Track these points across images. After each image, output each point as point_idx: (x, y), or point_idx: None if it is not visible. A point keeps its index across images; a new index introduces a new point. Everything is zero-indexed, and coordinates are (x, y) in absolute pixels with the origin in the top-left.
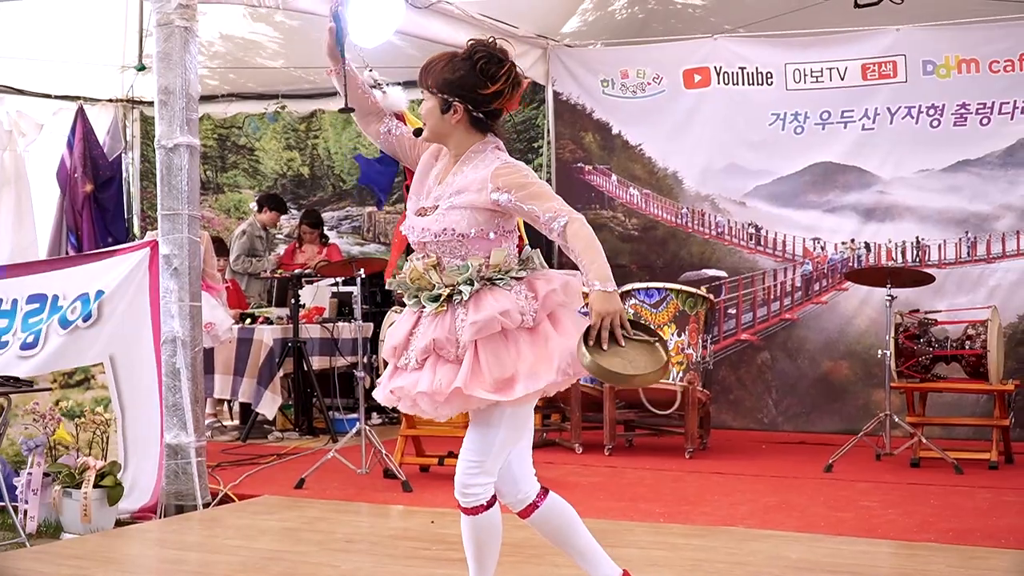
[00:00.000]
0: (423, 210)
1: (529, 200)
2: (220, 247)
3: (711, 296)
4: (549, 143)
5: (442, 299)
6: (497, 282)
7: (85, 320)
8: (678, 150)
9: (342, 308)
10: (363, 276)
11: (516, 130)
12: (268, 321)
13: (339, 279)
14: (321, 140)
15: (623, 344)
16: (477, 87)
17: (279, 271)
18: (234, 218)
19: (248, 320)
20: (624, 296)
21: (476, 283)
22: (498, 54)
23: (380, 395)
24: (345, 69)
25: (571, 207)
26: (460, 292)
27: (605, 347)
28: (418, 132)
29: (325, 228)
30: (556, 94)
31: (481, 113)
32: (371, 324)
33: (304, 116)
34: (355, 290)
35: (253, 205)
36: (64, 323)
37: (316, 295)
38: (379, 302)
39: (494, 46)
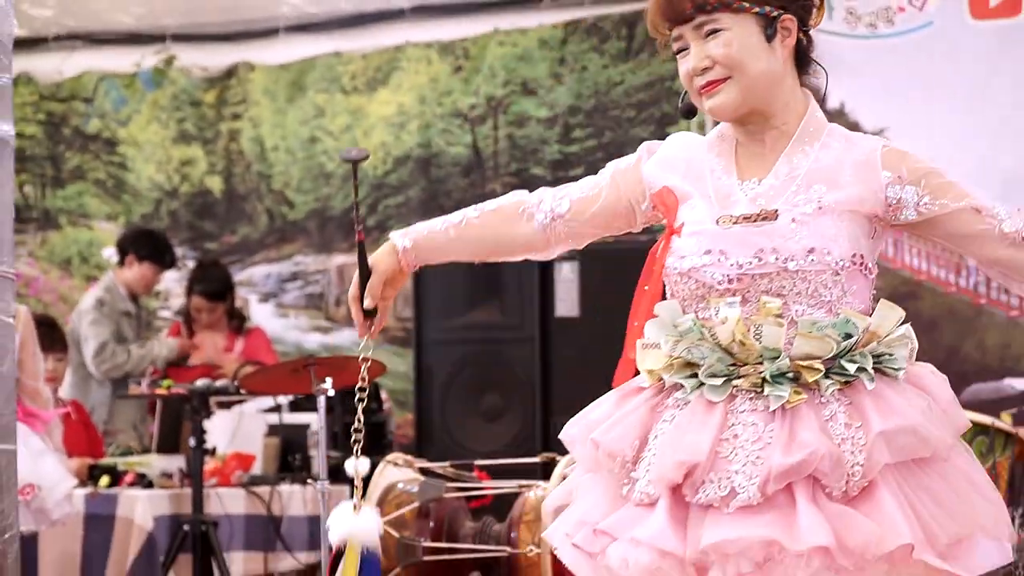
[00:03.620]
0: (738, 219)
1: (937, 196)
2: (50, 336)
3: None
4: (701, 128)
5: (797, 382)
6: (889, 366)
7: None
8: (961, 140)
9: (289, 457)
10: (331, 392)
11: (633, 103)
12: (145, 481)
13: (282, 399)
14: (247, 123)
15: None
16: None
17: (165, 381)
18: (79, 278)
19: (106, 480)
20: None
21: (863, 363)
22: None
23: (640, 560)
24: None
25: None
26: (841, 371)
27: None
28: (689, 112)
29: (253, 297)
30: None
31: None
32: (346, 488)
33: (213, 76)
34: (315, 420)
35: (110, 253)
36: None
37: (237, 431)
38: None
39: None
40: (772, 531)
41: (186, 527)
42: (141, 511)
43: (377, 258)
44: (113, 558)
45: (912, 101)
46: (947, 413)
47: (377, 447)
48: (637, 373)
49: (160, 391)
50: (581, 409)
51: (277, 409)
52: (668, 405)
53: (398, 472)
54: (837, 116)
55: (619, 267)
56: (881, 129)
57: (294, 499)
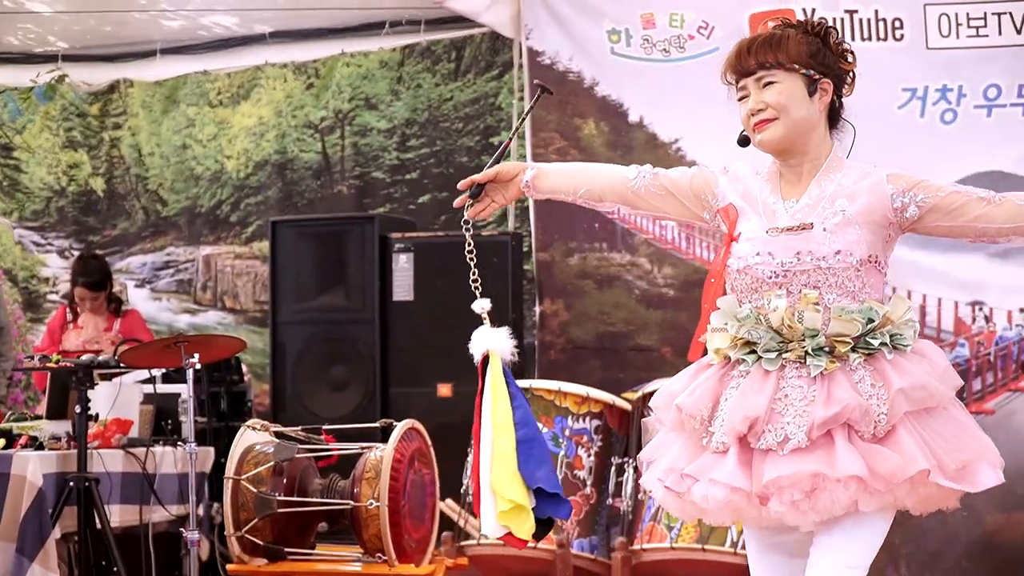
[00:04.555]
0: (783, 230)
1: (929, 192)
2: None
3: None
4: (521, 137)
5: (832, 354)
6: (899, 343)
7: None
8: (743, 150)
9: (161, 422)
10: (198, 366)
11: (461, 116)
12: (36, 443)
13: (156, 372)
14: (126, 132)
15: None
16: (839, 64)
17: (55, 356)
18: None
19: (1, 442)
20: (645, 402)
21: (883, 339)
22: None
23: (717, 496)
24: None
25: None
26: (866, 346)
27: None
28: (744, 141)
29: (130, 283)
30: (533, 54)
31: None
32: (211, 449)
33: (97, 91)
34: (184, 390)
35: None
36: None
37: (117, 400)
38: (225, 412)
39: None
40: (817, 465)
41: (72, 483)
42: (32, 469)
43: (506, 163)
44: (7, 510)
45: (701, 116)
46: (945, 374)
47: (238, 413)
48: (706, 351)
49: (50, 364)
50: (415, 381)
51: (152, 380)
52: (733, 376)
53: (256, 435)
54: (637, 128)
55: (447, 259)
56: (675, 139)
57: (166, 459)
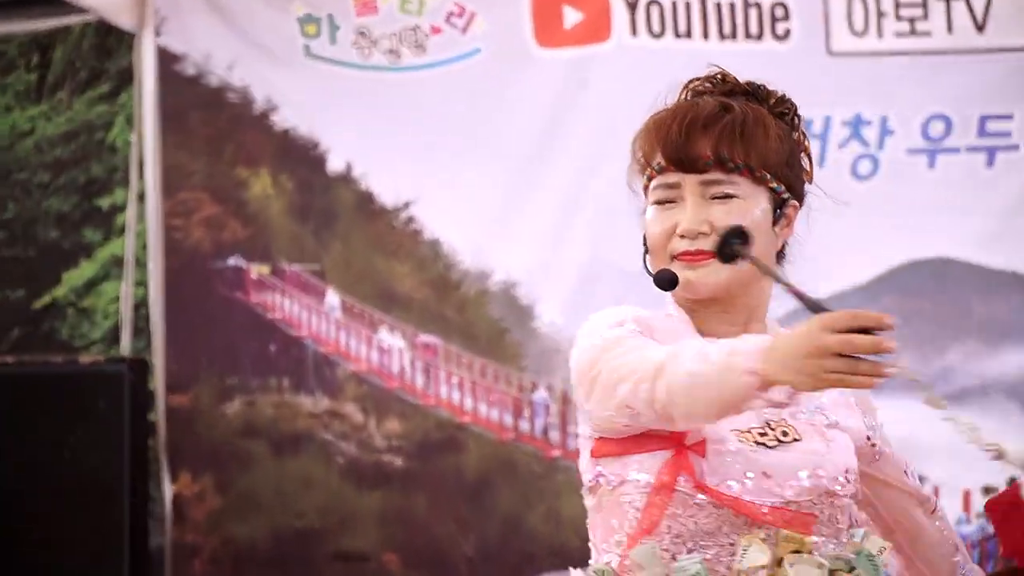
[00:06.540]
0: (766, 437)
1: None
2: None
3: None
4: (142, 199)
5: None
6: None
7: None
8: (519, 222)
9: None
10: None
11: (48, 162)
12: None
13: None
14: None
15: None
16: (803, 171)
17: None
18: None
19: None
20: None
21: None
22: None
23: None
24: None
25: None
26: None
27: None
28: (669, 281)
29: None
30: (168, 59)
31: None
32: None
33: None
34: None
35: None
36: None
37: None
38: None
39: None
40: None
41: None
42: None
43: None
44: None
45: (451, 160)
46: None
47: None
48: None
49: None
50: None
51: None
52: None
53: None
54: (341, 184)
55: (21, 402)
56: (404, 203)
57: None
